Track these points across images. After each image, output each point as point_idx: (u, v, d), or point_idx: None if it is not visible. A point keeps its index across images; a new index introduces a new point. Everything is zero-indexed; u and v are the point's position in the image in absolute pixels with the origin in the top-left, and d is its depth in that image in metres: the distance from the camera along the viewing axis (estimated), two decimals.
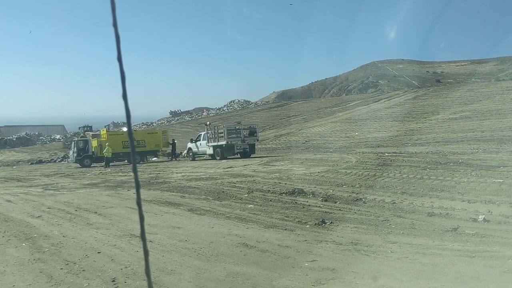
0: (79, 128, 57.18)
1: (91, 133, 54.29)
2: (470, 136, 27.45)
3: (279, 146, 37.55)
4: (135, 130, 41.70)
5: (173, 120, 73.17)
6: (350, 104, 57.91)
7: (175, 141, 36.55)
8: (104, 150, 32.24)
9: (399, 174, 13.86)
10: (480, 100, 40.58)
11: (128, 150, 32.08)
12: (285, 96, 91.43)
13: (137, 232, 8.11)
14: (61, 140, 63.48)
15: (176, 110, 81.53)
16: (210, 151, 30.34)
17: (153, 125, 69.03)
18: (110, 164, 31.87)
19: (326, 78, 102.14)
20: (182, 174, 20.33)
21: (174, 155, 35.53)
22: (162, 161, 34.12)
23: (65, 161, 40.83)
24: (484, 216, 8.01)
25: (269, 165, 20.84)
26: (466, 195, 10.16)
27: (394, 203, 9.93)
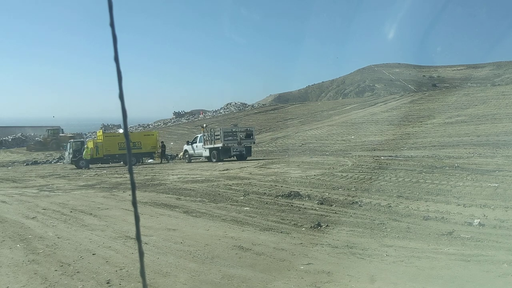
0: (47, 130, 56.24)
1: (68, 134, 53.90)
2: (465, 140, 27.56)
3: (275, 149, 37.56)
4: (131, 132, 41.55)
5: (169, 122, 73.06)
6: (347, 108, 58.05)
7: (164, 143, 36.05)
8: (84, 153, 32.20)
9: (395, 178, 13.88)
10: (476, 105, 40.77)
11: (123, 152, 32.01)
12: (282, 99, 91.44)
13: (132, 234, 8.08)
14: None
15: (180, 111, 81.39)
16: (206, 153, 30.31)
17: (149, 127, 68.87)
18: (90, 166, 31.92)
19: (323, 82, 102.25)
20: (178, 176, 20.28)
21: (164, 157, 35.14)
22: (158, 163, 34.02)
23: (61, 162, 40.65)
24: (479, 220, 8.04)
25: (265, 167, 20.83)
26: (461, 199, 10.19)
27: (390, 206, 9.95)
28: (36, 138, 57.94)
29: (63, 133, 56.12)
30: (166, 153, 38.18)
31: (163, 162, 34.13)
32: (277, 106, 73.87)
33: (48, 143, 52.70)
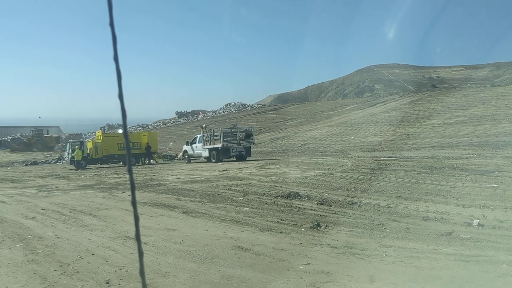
0: (31, 130, 56.04)
1: (54, 135, 54.03)
2: (465, 141, 27.58)
3: (275, 149, 37.57)
4: (130, 132, 41.28)
5: (169, 123, 73.05)
6: (346, 108, 58.10)
7: (149, 144, 35.45)
8: (74, 153, 32.15)
9: (394, 178, 13.89)
10: (475, 106, 40.81)
11: (123, 152, 31.96)
12: (282, 99, 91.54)
13: (132, 234, 8.08)
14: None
15: (182, 111, 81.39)
16: (205, 153, 30.31)
17: (148, 127, 68.84)
18: (82, 167, 31.77)
19: (322, 82, 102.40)
20: (178, 176, 20.28)
21: (147, 157, 34.83)
22: (158, 163, 34.00)
23: (60, 162, 40.63)
24: (478, 220, 8.04)
25: (264, 168, 20.84)
26: (461, 200, 10.19)
27: (389, 207, 9.95)
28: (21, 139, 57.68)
29: (48, 133, 55.88)
30: (163, 154, 38.06)
31: (146, 163, 33.98)
32: (277, 107, 73.91)
33: (33, 143, 52.42)
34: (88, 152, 33.73)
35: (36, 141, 52.69)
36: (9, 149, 53.20)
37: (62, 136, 62.01)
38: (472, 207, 9.38)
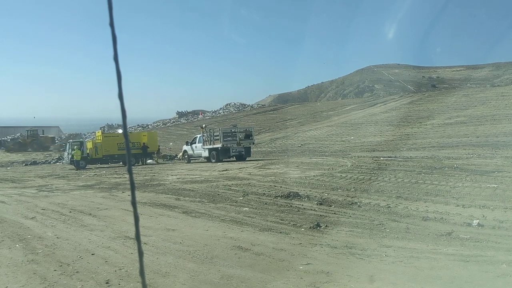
0: (26, 130, 56.01)
1: (49, 135, 54.31)
2: (465, 141, 27.58)
3: (274, 149, 37.56)
4: (130, 132, 41.17)
5: (169, 123, 73.02)
6: (346, 108, 58.09)
7: (146, 144, 35.27)
8: (73, 153, 32.15)
9: (394, 179, 13.89)
10: (475, 106, 40.81)
11: (123, 152, 31.95)
12: (281, 100, 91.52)
13: (132, 234, 8.08)
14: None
15: (183, 111, 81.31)
16: (205, 153, 30.31)
17: (148, 127, 68.80)
18: (81, 167, 31.77)
19: (322, 82, 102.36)
20: (177, 176, 20.28)
21: (145, 157, 34.77)
22: (158, 164, 33.98)
23: (60, 162, 40.61)
24: (478, 220, 8.04)
25: (264, 168, 20.83)
26: (460, 200, 10.20)
27: (389, 207, 9.95)
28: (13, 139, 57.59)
29: (44, 133, 55.86)
30: (160, 154, 37.95)
31: (145, 163, 33.99)
32: (277, 107, 73.88)
33: (28, 143, 52.30)
34: (88, 152, 33.74)
35: (31, 141, 52.57)
36: (5, 149, 53.14)
37: (62, 136, 61.97)
38: (472, 207, 9.38)
